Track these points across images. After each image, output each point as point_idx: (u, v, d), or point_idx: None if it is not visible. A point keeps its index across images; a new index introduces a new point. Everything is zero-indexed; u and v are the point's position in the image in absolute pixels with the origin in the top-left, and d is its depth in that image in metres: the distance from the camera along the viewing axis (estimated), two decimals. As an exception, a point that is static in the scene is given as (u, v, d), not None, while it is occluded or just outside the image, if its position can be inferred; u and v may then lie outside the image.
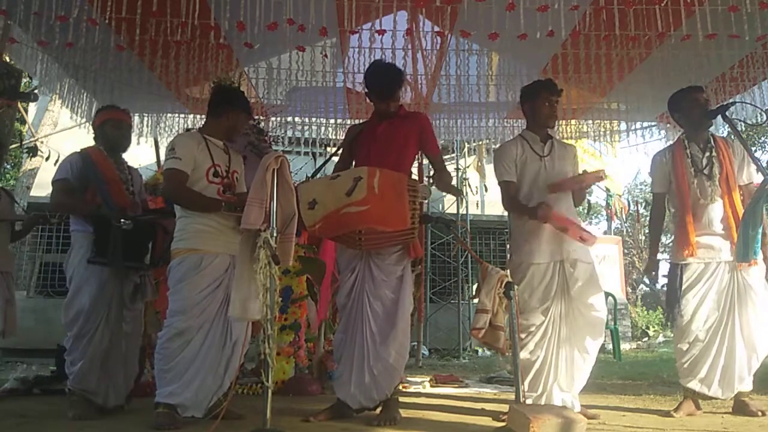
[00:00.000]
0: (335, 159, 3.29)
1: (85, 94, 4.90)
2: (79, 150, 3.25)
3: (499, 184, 3.23)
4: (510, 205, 3.22)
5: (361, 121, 3.63)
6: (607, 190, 12.60)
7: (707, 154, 3.22)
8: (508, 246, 10.58)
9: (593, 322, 3.02)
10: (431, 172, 3.19)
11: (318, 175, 3.19)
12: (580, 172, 3.20)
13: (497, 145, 6.71)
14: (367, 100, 3.31)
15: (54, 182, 3.20)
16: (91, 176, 3.13)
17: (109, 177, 3.16)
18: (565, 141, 4.18)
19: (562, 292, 3.02)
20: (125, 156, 3.43)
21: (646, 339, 12.56)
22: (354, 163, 3.13)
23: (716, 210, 3.17)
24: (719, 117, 3.36)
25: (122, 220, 2.97)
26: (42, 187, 8.55)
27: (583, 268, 3.04)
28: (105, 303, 3.08)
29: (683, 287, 3.16)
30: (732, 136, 3.31)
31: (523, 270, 3.07)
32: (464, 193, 10.68)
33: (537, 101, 3.19)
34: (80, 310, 3.05)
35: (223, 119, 3.04)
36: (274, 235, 2.47)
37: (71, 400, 3.05)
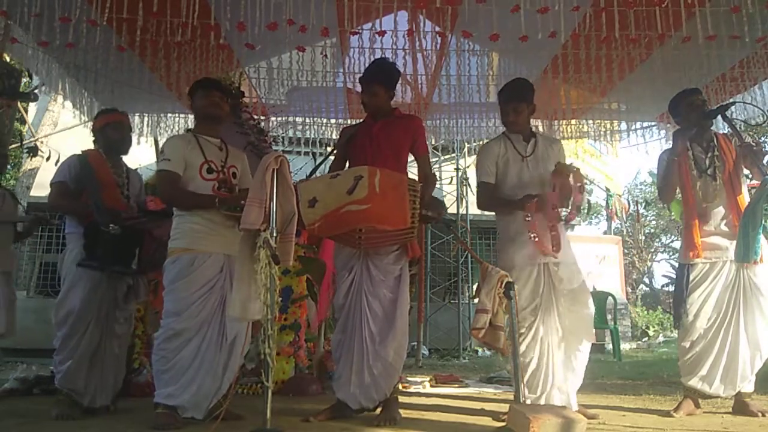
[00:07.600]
0: (332, 158, 3.28)
1: (85, 95, 4.89)
2: (79, 152, 3.26)
3: (478, 184, 3.24)
4: (490, 204, 3.22)
5: (359, 121, 3.62)
6: (607, 190, 12.62)
7: (710, 154, 3.24)
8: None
9: (582, 320, 3.02)
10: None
11: (316, 174, 3.18)
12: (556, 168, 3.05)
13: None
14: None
15: (52, 184, 3.23)
16: (86, 180, 3.14)
17: (105, 181, 3.16)
18: (548, 136, 4.15)
19: (550, 292, 3.02)
20: (126, 157, 3.43)
21: (646, 339, 12.55)
22: (348, 164, 3.12)
23: (721, 209, 3.19)
24: (719, 117, 3.37)
25: (111, 226, 2.96)
26: (42, 187, 8.54)
27: (568, 268, 3.05)
28: (96, 304, 3.09)
29: (689, 286, 3.18)
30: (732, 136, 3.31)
31: (507, 271, 3.06)
32: (464, 193, 10.69)
33: (501, 108, 3.23)
34: (70, 310, 3.08)
35: (193, 107, 3.07)
36: (274, 235, 2.47)
37: (57, 399, 3.07)
